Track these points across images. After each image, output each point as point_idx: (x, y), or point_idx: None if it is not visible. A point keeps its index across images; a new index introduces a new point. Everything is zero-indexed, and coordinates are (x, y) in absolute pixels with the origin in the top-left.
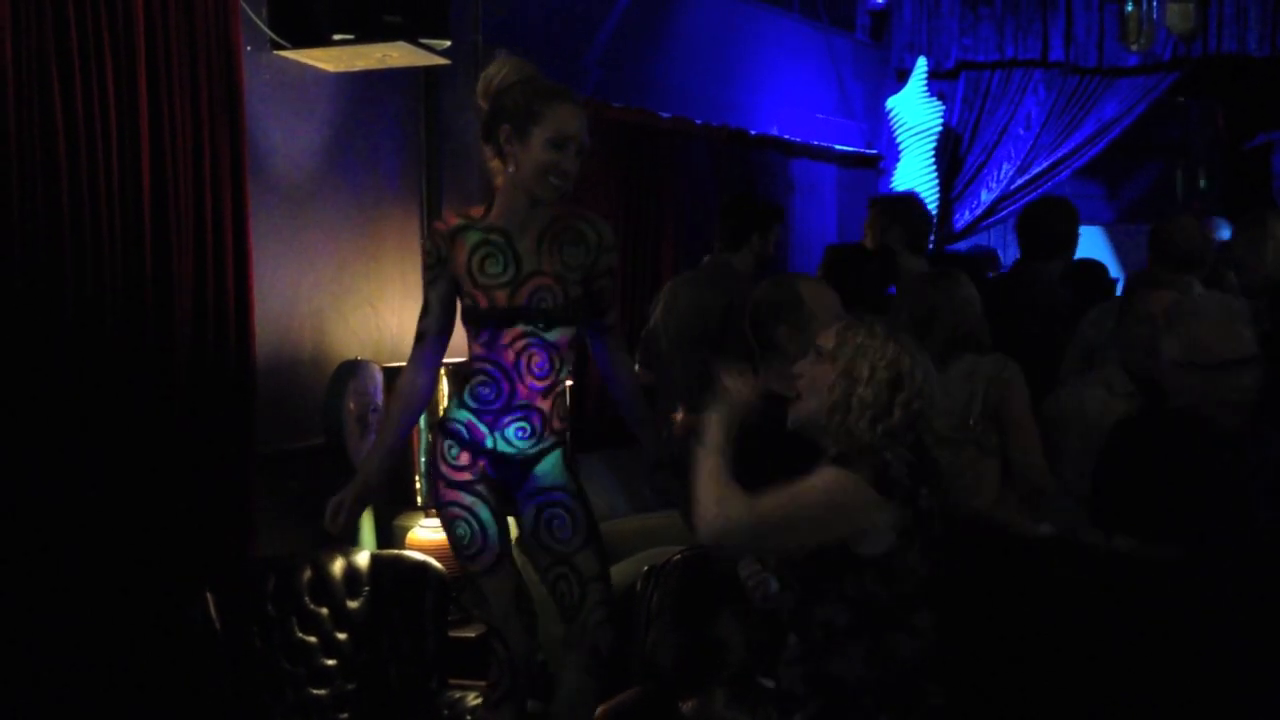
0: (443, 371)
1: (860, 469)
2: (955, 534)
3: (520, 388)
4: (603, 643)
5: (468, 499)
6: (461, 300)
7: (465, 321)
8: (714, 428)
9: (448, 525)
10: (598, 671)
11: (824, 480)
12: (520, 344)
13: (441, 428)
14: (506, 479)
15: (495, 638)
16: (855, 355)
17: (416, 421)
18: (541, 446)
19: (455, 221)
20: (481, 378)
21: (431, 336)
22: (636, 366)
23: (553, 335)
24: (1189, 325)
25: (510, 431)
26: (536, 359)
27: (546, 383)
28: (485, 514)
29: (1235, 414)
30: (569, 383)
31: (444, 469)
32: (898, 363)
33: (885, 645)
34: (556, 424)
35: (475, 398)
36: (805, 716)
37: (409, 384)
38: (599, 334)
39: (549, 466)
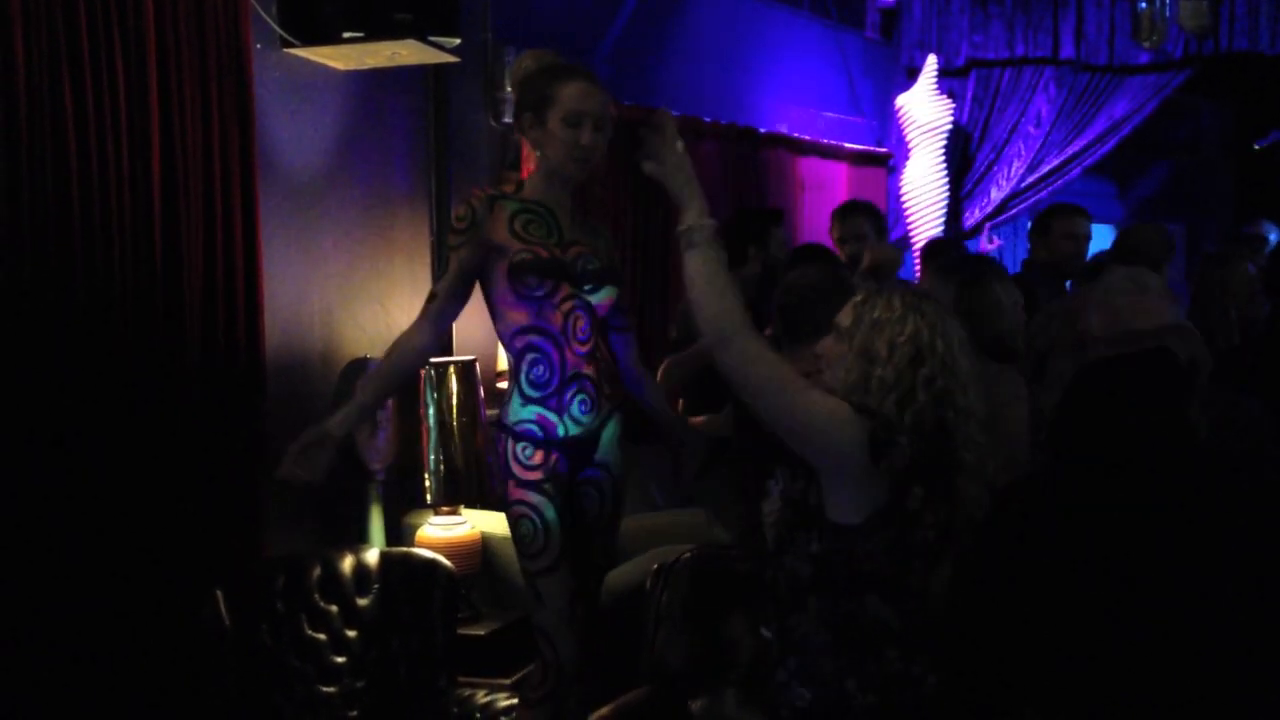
0: (422, 373)
1: (863, 423)
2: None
3: (569, 354)
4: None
5: (535, 498)
6: (510, 261)
7: (517, 279)
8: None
9: (513, 523)
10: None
11: (826, 406)
12: (567, 305)
13: (511, 433)
14: (576, 465)
15: (544, 640)
16: (871, 332)
17: (401, 385)
18: (601, 416)
19: (491, 191)
20: (532, 355)
21: (443, 300)
22: None
23: (597, 298)
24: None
25: (575, 408)
26: (581, 322)
27: (588, 347)
28: (550, 513)
29: None
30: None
31: (515, 469)
32: (918, 336)
33: (845, 607)
34: (608, 389)
35: (532, 384)
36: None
37: (405, 343)
38: (621, 331)
39: (607, 438)
